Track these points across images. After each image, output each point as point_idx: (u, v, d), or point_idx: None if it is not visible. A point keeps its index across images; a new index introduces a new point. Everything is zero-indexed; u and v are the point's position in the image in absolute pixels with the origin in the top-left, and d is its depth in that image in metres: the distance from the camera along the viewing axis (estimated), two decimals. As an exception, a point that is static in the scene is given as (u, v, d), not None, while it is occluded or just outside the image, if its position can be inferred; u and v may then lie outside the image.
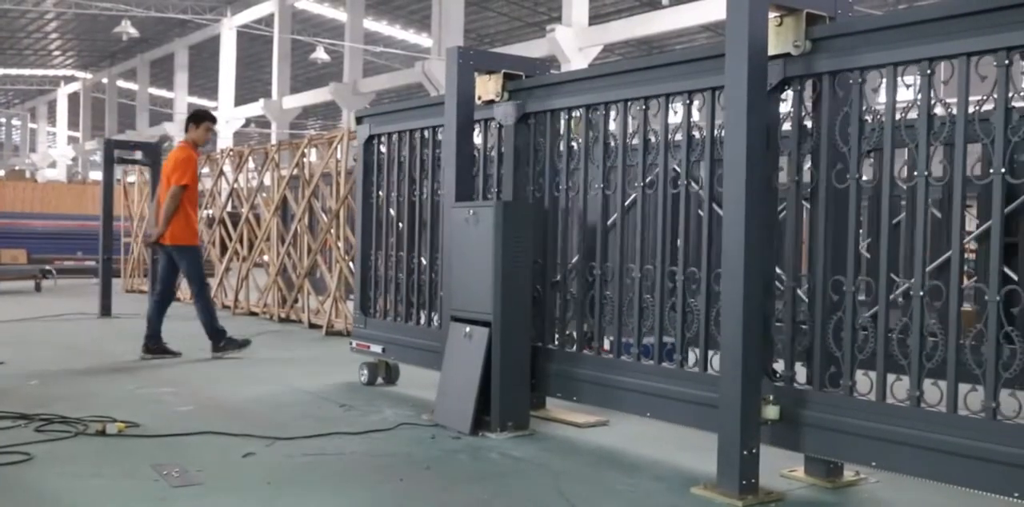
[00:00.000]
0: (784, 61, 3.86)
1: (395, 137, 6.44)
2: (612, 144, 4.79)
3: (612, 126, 4.83)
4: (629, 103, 4.68)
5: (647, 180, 4.61)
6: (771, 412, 3.82)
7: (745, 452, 3.70)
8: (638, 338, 4.58)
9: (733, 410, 3.75)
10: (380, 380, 6.46)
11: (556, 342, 5.13)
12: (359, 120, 6.83)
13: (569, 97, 5.04)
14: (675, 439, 4.68)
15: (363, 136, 6.73)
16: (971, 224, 6.31)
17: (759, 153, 3.78)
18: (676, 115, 4.41)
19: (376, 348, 6.44)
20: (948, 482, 3.34)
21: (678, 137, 4.44)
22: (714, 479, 3.82)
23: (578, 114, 5.02)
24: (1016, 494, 3.13)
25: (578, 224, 5.08)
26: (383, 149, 6.60)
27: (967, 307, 5.76)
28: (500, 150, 5.51)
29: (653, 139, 4.59)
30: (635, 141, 4.71)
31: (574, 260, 5.14)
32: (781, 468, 4.05)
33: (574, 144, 5.07)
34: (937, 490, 3.53)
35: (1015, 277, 5.09)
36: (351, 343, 6.79)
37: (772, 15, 3.82)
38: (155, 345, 7.57)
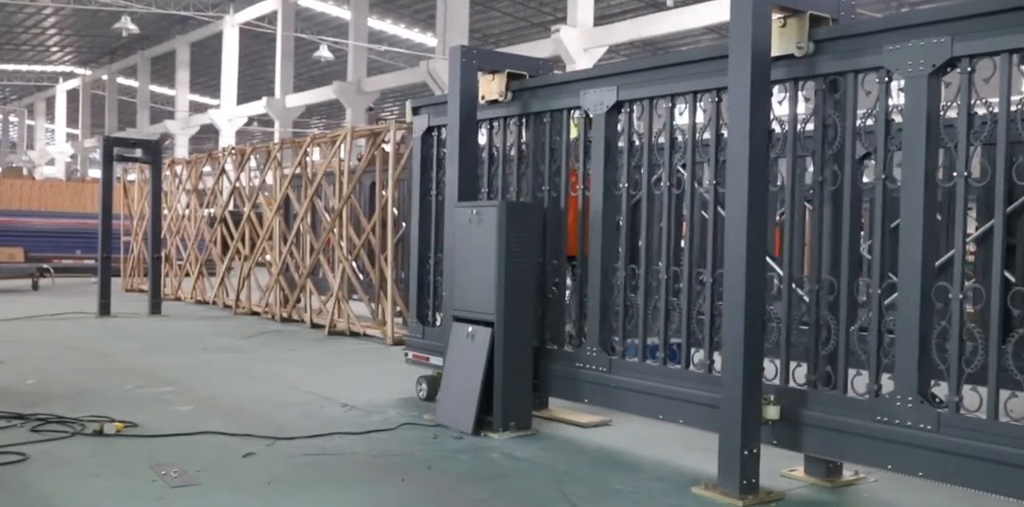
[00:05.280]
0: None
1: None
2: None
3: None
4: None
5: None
6: (772, 412, 3.82)
7: (746, 452, 3.71)
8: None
9: (734, 410, 3.75)
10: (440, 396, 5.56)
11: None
12: (416, 110, 6.28)
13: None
14: (677, 439, 4.68)
15: (421, 128, 6.20)
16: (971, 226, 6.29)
17: (762, 153, 3.77)
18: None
19: (436, 360, 5.74)
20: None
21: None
22: (715, 479, 3.82)
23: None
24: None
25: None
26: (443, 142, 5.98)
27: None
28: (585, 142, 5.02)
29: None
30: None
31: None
32: (781, 468, 4.06)
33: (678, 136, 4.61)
34: (935, 490, 3.53)
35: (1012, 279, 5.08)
36: (406, 354, 6.19)
37: (776, 17, 3.82)
38: None
